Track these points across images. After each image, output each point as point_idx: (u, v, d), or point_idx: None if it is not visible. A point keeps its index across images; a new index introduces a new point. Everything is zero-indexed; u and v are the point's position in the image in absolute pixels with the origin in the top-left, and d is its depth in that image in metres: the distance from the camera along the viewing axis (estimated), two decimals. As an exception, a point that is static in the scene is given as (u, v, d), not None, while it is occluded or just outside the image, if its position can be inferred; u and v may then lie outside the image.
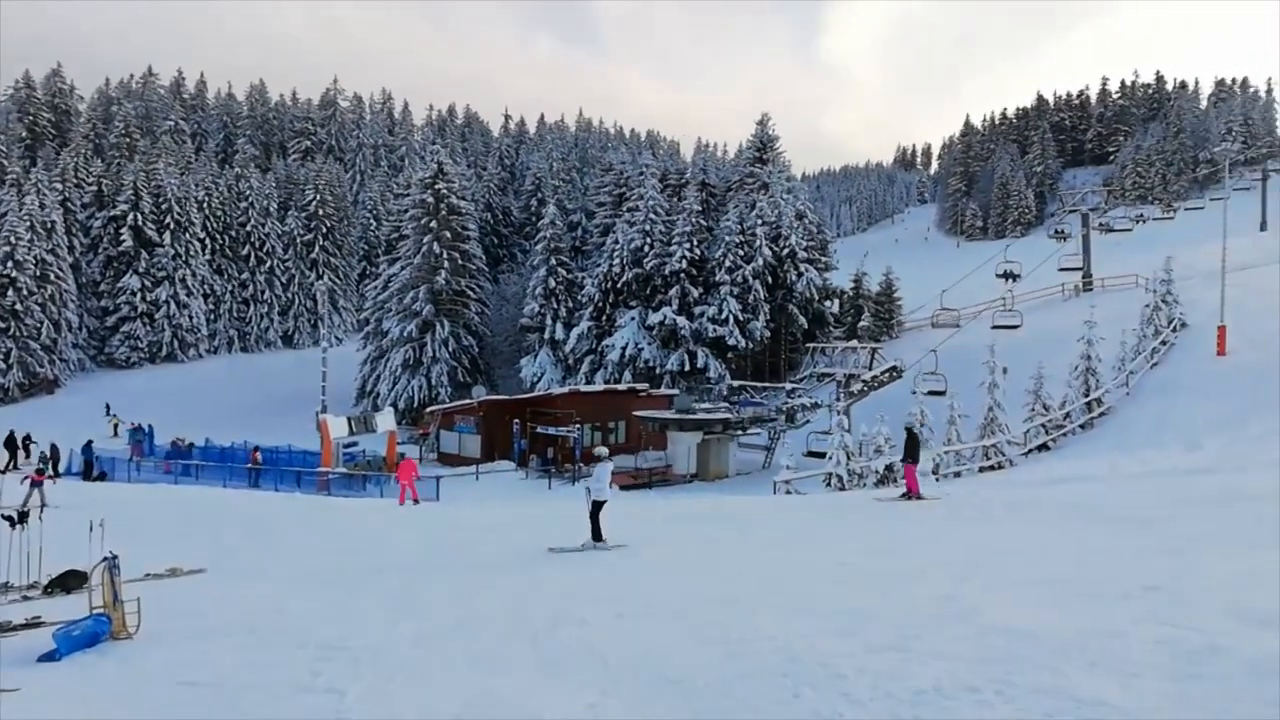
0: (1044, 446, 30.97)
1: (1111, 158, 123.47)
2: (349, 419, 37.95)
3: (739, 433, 40.01)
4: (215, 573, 11.93)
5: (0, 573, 10.62)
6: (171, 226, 68.65)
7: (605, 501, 13.20)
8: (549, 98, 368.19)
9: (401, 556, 13.75)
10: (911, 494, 18.99)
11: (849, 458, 29.46)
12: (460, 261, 57.01)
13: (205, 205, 73.84)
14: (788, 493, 27.30)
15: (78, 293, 64.25)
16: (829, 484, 29.38)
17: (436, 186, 56.54)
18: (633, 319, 51.62)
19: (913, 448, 19.33)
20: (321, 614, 9.03)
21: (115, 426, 47.21)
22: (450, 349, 54.49)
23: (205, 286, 71.98)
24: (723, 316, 50.12)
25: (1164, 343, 35.68)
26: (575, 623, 8.03)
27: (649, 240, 53.03)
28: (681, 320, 50.33)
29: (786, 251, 52.80)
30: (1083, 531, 13.28)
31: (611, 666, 6.53)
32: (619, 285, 53.08)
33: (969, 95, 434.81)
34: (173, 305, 68.03)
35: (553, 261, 55.94)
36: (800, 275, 53.14)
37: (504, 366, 58.75)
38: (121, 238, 66.90)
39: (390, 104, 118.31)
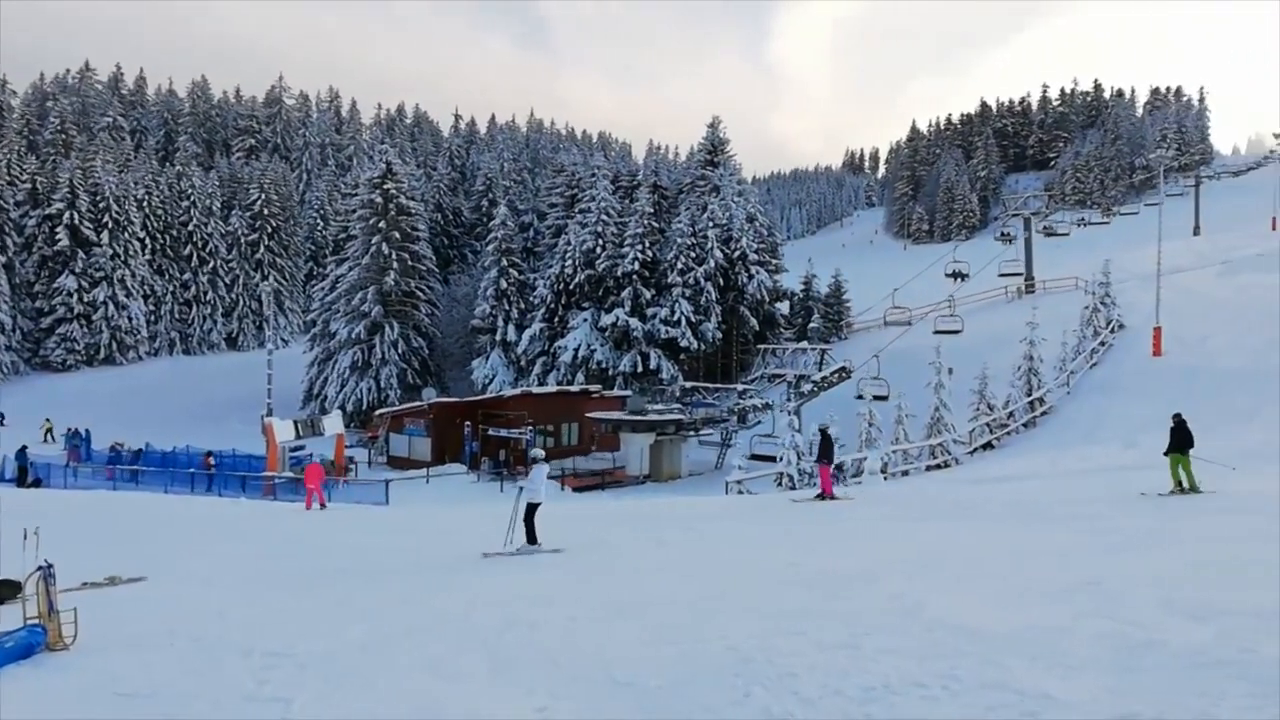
0: (988, 445, 31.67)
1: (1052, 163, 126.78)
2: (295, 422, 37.29)
3: (691, 434, 40.22)
4: (156, 580, 11.63)
5: (-73, 584, 10.21)
6: (110, 225, 66.73)
7: (539, 504, 13.12)
8: (500, 98, 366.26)
9: (349, 561, 13.55)
10: (825, 495, 19.39)
11: (799, 458, 29.76)
12: (410, 262, 56.37)
13: (145, 204, 71.93)
14: (740, 493, 27.50)
15: (11, 294, 62.09)
16: (780, 484, 29.67)
17: (385, 186, 55.83)
18: (585, 320, 51.55)
19: (826, 449, 19.83)
20: (266, 621, 8.85)
21: (47, 432, 45.72)
22: (400, 351, 53.85)
23: (145, 287, 70.12)
24: (675, 318, 50.29)
25: (1103, 343, 36.70)
26: (526, 626, 7.98)
27: (601, 242, 53.00)
28: (634, 322, 50.39)
29: (738, 254, 53.19)
30: (1026, 528, 13.59)
31: (563, 669, 6.51)
32: (571, 287, 52.96)
33: (915, 101, 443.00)
34: (111, 306, 66.12)
35: (504, 263, 55.60)
36: (751, 277, 53.57)
37: (455, 369, 58.21)
38: (57, 237, 64.84)
39: (338, 102, 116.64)
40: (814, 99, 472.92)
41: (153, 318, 70.97)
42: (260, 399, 42.73)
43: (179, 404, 56.88)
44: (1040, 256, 56.06)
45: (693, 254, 51.78)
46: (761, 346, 52.92)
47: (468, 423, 40.28)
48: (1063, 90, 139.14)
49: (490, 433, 39.25)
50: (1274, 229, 63.44)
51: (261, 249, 79.53)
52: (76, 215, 65.30)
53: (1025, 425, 32.38)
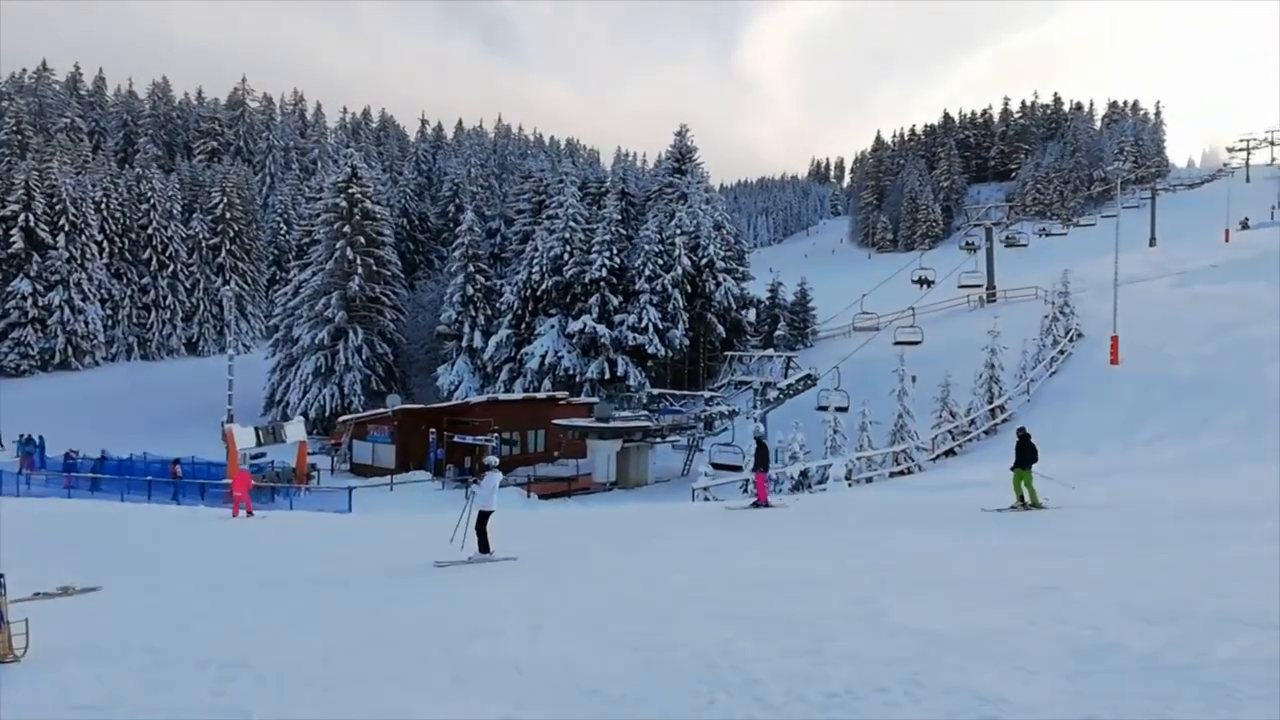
0: (950, 452, 32.05)
1: (1013, 174, 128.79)
2: (257, 429, 36.76)
3: (658, 440, 40.26)
4: (111, 590, 11.38)
5: None
6: (66, 228, 65.44)
7: (491, 512, 13.01)
8: (468, 103, 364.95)
9: (311, 570, 13.36)
10: (761, 503, 19.50)
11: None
12: (375, 267, 55.91)
13: (103, 206, 70.65)
14: (706, 499, 27.57)
15: (-38, 297, 60.74)
16: (746, 490, 29.75)
17: (350, 190, 55.35)
18: (552, 327, 51.43)
19: (762, 457, 19.93)
20: (225, 631, 8.70)
21: (-4, 439, 44.56)
22: (364, 357, 53.33)
23: (103, 291, 68.84)
24: (642, 325, 50.35)
25: (1062, 352, 37.32)
26: (490, 635, 7.92)
27: (569, 248, 52.94)
28: (601, 328, 50.37)
29: (705, 261, 53.42)
30: (987, 534, 13.76)
31: (527, 678, 6.47)
32: (538, 293, 52.83)
33: (880, 111, 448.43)
34: (67, 310, 64.79)
35: (471, 268, 55.34)
36: (718, 285, 53.82)
37: (420, 375, 57.78)
38: (11, 239, 63.46)
39: (302, 105, 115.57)
40: (781, 109, 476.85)
41: (110, 322, 69.68)
42: (221, 405, 42.10)
43: (136, 410, 55.80)
44: (1001, 266, 56.98)
45: (660, 261, 51.90)
46: (728, 354, 53.10)
47: (433, 430, 39.97)
48: (1024, 103, 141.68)
49: (456, 440, 38.97)
50: (1227, 240, 65.05)
51: (223, 253, 78.42)
52: (32, 217, 63.99)
53: (986, 432, 32.82)
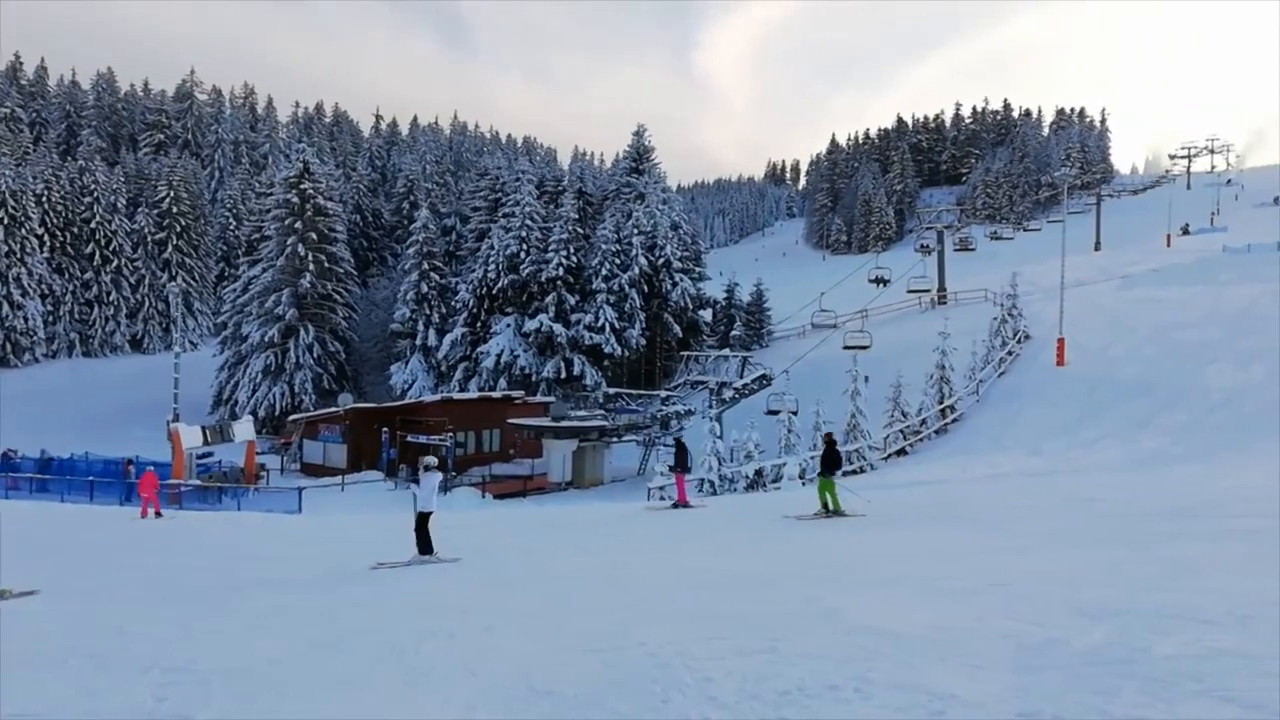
0: (902, 451, 32.52)
1: (964, 178, 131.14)
2: (204, 428, 36.06)
3: (614, 440, 40.25)
4: (50, 594, 11.05)
5: None
6: (5, 221, 63.44)
7: (431, 513, 12.98)
8: (422, 99, 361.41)
9: (259, 572, 13.12)
10: (680, 503, 19.68)
11: (720, 463, 30.06)
12: (326, 264, 55.11)
13: (44, 199, 68.66)
14: (661, 499, 27.61)
15: (-108, 291, 58.57)
16: (701, 489, 29.89)
17: (302, 186, 54.49)
18: (508, 326, 51.15)
19: (682, 458, 20.13)
20: (169, 635, 8.49)
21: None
22: (315, 355, 52.55)
23: (43, 286, 66.90)
24: (599, 324, 50.31)
25: (1010, 353, 38.07)
26: (443, 636, 7.85)
27: (525, 247, 52.70)
28: (558, 328, 50.22)
29: (662, 261, 53.52)
30: (935, 532, 13.98)
31: (480, 679, 6.42)
32: (494, 291, 52.50)
33: (835, 115, 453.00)
34: (5, 306, 62.85)
35: (425, 266, 54.81)
36: (675, 285, 53.97)
37: (373, 374, 57.10)
38: (-54, 232, 61.40)
39: (253, 99, 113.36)
40: (737, 111, 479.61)
41: (51, 318, 67.75)
42: (166, 404, 41.17)
43: (79, 408, 54.39)
44: (951, 268, 57.95)
45: (617, 260, 51.90)
46: (685, 353, 53.35)
47: (385, 429, 39.52)
48: (975, 109, 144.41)
49: (409, 439, 38.57)
50: (1169, 245, 66.82)
51: (169, 248, 76.68)
52: (-32, 209, 61.93)
53: (937, 432, 33.37)
